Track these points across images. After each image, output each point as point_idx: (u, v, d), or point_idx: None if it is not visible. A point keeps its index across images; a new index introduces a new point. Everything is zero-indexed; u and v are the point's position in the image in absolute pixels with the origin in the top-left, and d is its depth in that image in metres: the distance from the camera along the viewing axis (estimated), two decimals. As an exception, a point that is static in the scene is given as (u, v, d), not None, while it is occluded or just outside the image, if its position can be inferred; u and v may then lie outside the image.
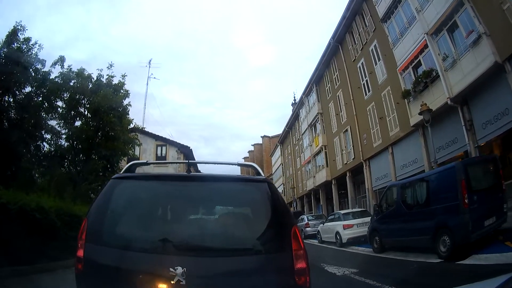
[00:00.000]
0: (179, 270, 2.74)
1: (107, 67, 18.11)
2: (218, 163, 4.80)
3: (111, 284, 2.92)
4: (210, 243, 3.18)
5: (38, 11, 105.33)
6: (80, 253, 3.11)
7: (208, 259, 2.95)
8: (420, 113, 15.00)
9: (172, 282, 2.73)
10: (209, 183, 3.58)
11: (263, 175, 3.91)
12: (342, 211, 21.25)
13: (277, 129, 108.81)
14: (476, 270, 8.15)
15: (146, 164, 4.36)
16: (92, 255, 3.04)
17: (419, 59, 18.13)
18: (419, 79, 17.68)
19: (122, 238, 3.17)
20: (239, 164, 4.65)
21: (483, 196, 9.90)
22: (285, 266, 2.98)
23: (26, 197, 8.86)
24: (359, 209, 21.57)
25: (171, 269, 2.75)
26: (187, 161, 3.90)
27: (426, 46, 17.18)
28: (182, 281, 2.73)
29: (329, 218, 21.50)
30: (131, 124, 19.99)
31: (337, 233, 18.29)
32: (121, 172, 3.87)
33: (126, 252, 2.99)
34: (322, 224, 22.00)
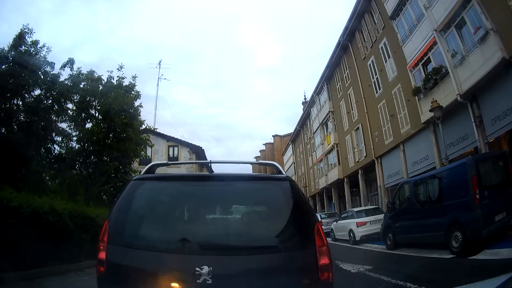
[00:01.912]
0: (205, 269, 2.72)
1: (117, 69, 18.35)
2: (239, 163, 4.77)
3: (135, 285, 2.89)
4: (235, 241, 3.19)
5: (43, 15, 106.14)
6: (102, 255, 3.05)
7: (233, 257, 2.95)
8: (431, 110, 15.08)
9: (198, 281, 2.72)
10: (231, 183, 3.57)
11: (284, 173, 3.90)
12: (355, 209, 21.36)
13: (288, 128, 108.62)
14: (487, 265, 8.29)
15: (167, 164, 4.29)
16: (114, 257, 3.01)
17: (429, 56, 18.10)
18: (429, 76, 17.67)
19: (145, 239, 3.18)
20: (260, 163, 4.76)
21: (493, 191, 10.03)
22: (309, 262, 2.99)
23: (38, 200, 8.83)
24: (372, 207, 21.65)
25: (197, 269, 2.73)
26: (209, 160, 3.86)
27: (435, 43, 17.14)
28: (208, 280, 2.72)
29: (342, 216, 21.61)
30: (143, 125, 19.99)
31: (351, 230, 18.41)
32: (141, 173, 3.83)
33: (150, 253, 2.99)
34: (335, 222, 22.16)
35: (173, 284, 2.84)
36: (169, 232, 3.22)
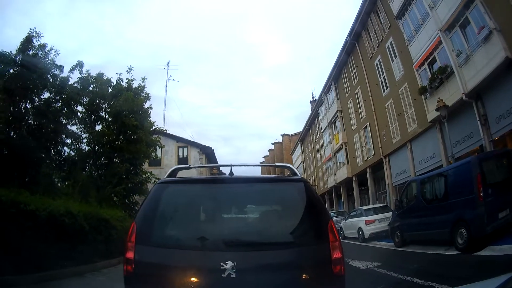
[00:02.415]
0: (229, 264, 2.94)
1: (127, 71, 18.25)
2: (258, 165, 5.64)
3: (164, 281, 3.08)
4: (256, 238, 3.41)
5: (50, 18, 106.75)
6: (130, 255, 3.22)
7: (255, 253, 3.18)
8: (437, 109, 15.28)
9: (223, 275, 2.92)
10: (250, 184, 3.80)
11: (299, 175, 4.17)
12: (364, 207, 21.58)
13: (296, 127, 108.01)
14: (491, 261, 8.49)
15: (188, 168, 4.56)
16: (143, 256, 3.19)
17: (434, 56, 18.30)
18: (435, 75, 17.86)
19: (172, 238, 3.41)
20: (276, 165, 5.23)
21: (497, 189, 10.16)
22: (324, 256, 3.23)
23: (54, 203, 8.92)
24: (380, 205, 21.91)
25: (221, 264, 2.95)
26: (230, 164, 4.00)
27: (440, 42, 17.32)
28: (232, 274, 2.93)
29: (351, 214, 21.84)
30: (153, 126, 19.95)
31: (360, 228, 18.68)
32: (165, 177, 4.03)
33: (176, 251, 3.21)
34: (344, 221, 22.34)
35: (199, 279, 3.07)
36: (194, 231, 3.47)
